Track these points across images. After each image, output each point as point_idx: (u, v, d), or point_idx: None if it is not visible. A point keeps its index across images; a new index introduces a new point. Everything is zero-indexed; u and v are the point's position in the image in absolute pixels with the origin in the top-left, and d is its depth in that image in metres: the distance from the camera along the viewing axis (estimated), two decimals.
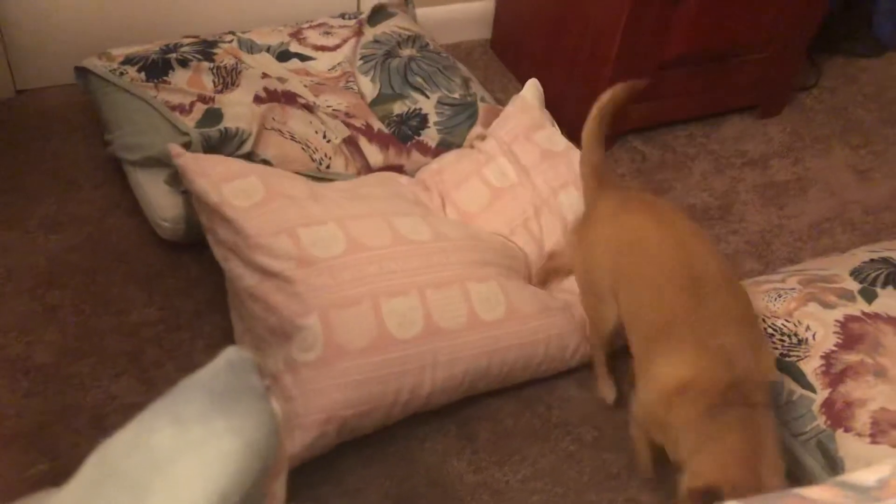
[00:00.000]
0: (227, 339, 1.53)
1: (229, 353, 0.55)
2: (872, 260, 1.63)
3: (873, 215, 2.08)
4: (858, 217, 2.07)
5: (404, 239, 1.49)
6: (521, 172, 1.76)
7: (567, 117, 2.00)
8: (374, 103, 1.87)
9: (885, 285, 1.55)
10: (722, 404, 1.22)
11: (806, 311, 1.52)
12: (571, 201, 1.74)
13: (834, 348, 1.46)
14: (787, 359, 1.47)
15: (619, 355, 1.57)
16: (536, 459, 1.48)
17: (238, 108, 1.70)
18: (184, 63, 1.80)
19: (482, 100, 1.95)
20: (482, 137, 1.85)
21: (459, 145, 1.86)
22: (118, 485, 0.45)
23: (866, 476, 0.58)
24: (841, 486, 0.56)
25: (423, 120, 1.87)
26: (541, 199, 1.74)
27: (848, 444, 1.36)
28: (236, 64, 1.82)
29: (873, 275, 1.58)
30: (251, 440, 0.49)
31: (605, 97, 1.55)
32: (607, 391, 1.57)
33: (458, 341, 1.44)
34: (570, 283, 1.65)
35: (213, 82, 1.77)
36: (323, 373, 1.34)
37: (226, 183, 1.46)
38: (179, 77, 1.77)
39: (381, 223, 1.50)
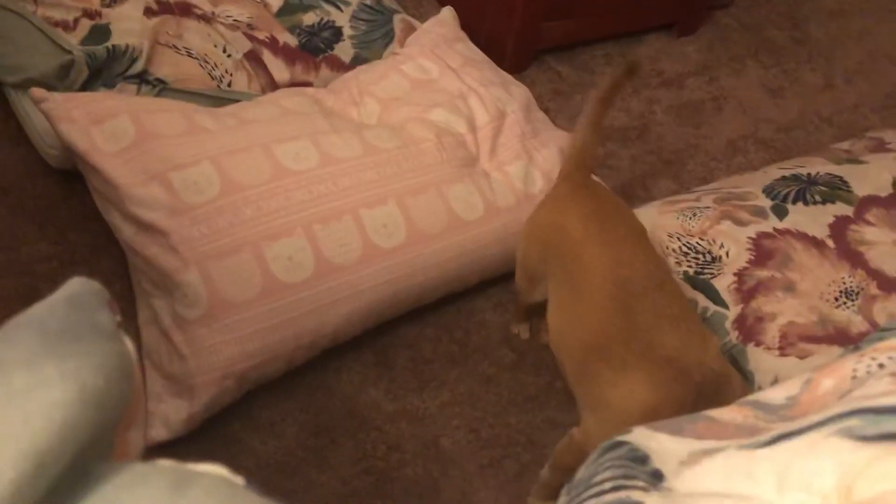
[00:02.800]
0: (128, 274, 1.44)
1: (71, 286, 0.48)
2: (784, 177, 1.65)
3: (784, 133, 2.10)
4: (771, 135, 2.09)
5: (286, 170, 1.38)
6: (444, 69, 1.68)
7: (483, 35, 1.94)
8: (280, 13, 1.76)
9: (795, 201, 1.57)
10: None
11: (720, 228, 1.53)
12: (501, 96, 1.67)
13: (746, 265, 1.47)
14: (702, 276, 1.48)
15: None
16: (455, 385, 1.47)
17: (127, 24, 1.57)
18: None
19: (397, 14, 1.86)
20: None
21: None
22: None
23: (776, 394, 0.57)
24: (751, 406, 0.55)
25: (337, 33, 1.76)
26: (468, 88, 1.65)
27: (758, 358, 1.39)
28: None
29: (784, 191, 1.59)
30: (89, 387, 0.43)
31: (605, 86, 1.36)
32: (521, 330, 1.55)
33: (357, 275, 1.37)
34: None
35: None
36: (212, 329, 1.26)
37: (95, 126, 1.34)
38: None
39: (260, 155, 1.38)
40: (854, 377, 0.56)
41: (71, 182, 1.58)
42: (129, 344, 0.50)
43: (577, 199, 1.32)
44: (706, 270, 1.49)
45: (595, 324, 1.17)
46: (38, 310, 0.47)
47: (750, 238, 1.50)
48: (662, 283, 1.21)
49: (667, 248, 1.53)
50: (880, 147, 1.74)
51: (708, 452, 0.50)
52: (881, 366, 0.55)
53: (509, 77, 1.78)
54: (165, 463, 0.46)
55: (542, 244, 1.33)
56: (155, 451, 1.19)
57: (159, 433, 1.26)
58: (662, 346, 1.12)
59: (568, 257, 1.26)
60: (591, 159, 1.40)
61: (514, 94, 1.71)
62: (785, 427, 0.49)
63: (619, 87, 1.39)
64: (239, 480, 0.45)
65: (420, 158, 1.50)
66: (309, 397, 1.40)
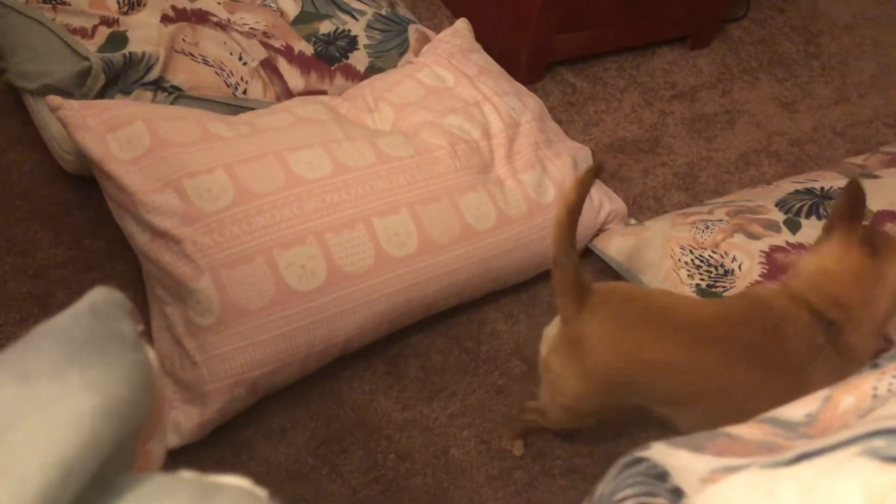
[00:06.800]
0: (142, 280, 1.45)
1: (95, 295, 0.48)
2: (797, 191, 1.64)
3: (798, 147, 2.10)
4: (784, 149, 2.09)
5: (299, 179, 1.38)
6: (459, 77, 1.68)
7: (497, 47, 1.95)
8: (296, 22, 1.76)
9: (808, 215, 1.57)
10: None
11: (732, 241, 1.53)
12: (516, 106, 1.67)
13: (759, 278, 1.47)
14: (714, 289, 1.48)
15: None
16: (465, 395, 1.46)
17: (144, 31, 1.57)
18: None
19: (412, 24, 1.87)
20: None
21: None
22: None
23: (795, 411, 0.56)
24: (770, 423, 0.55)
25: (353, 42, 1.77)
26: (483, 97, 1.65)
27: None
28: None
29: (797, 205, 1.59)
30: (113, 397, 0.43)
31: (572, 195, 1.17)
32: (517, 446, 1.41)
33: (368, 283, 1.36)
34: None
35: (118, 3, 1.64)
36: (224, 336, 1.26)
37: (110, 133, 1.35)
38: None
39: (273, 163, 1.38)
40: (875, 395, 0.56)
41: (86, 188, 1.59)
42: (152, 354, 0.50)
43: (632, 323, 1.18)
44: (718, 283, 1.48)
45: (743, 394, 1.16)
46: (62, 319, 0.47)
47: (763, 252, 1.50)
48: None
49: (679, 260, 1.53)
50: (894, 162, 1.74)
51: (729, 470, 0.50)
52: None
53: (523, 88, 1.79)
54: (187, 474, 0.46)
55: (627, 383, 1.20)
56: (165, 457, 1.19)
57: (170, 440, 1.26)
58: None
59: (671, 373, 1.18)
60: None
61: (528, 105, 1.71)
62: (807, 445, 0.49)
63: (586, 194, 1.21)
64: (262, 493, 0.45)
65: (433, 167, 1.50)
66: (320, 405, 1.40)
